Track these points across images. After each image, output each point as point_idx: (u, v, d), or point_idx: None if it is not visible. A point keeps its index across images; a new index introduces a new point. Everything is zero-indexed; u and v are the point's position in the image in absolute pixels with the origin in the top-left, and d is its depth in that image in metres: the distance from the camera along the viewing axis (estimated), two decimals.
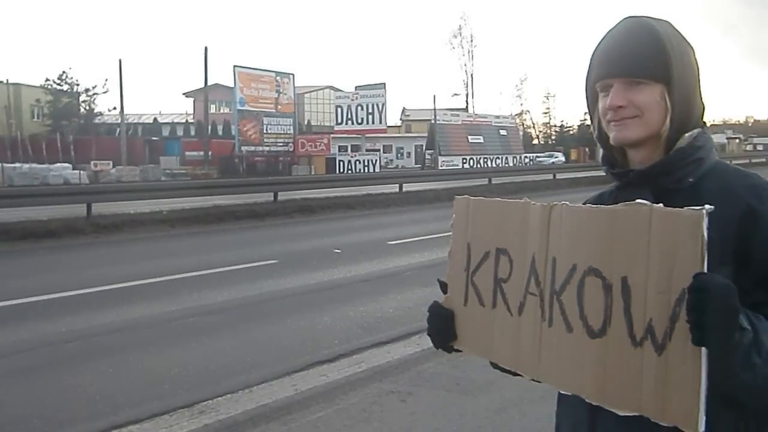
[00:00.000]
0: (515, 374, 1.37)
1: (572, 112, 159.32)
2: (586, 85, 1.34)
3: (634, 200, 1.10)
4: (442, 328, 1.42)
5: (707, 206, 1.00)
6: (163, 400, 4.30)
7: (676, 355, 1.02)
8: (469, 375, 4.69)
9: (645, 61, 1.21)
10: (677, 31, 1.26)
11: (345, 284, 7.89)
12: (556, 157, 54.43)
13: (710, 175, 1.23)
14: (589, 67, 1.32)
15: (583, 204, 1.29)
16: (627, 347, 1.08)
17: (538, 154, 55.87)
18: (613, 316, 1.10)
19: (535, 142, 73.10)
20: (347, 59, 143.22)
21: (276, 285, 7.74)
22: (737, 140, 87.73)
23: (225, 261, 9.24)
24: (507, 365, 1.33)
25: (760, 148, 74.44)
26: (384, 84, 47.46)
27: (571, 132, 75.61)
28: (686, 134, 1.23)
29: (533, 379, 1.28)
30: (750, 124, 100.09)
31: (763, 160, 47.11)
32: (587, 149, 61.48)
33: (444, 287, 1.45)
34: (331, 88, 66.07)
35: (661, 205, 1.06)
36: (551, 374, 1.23)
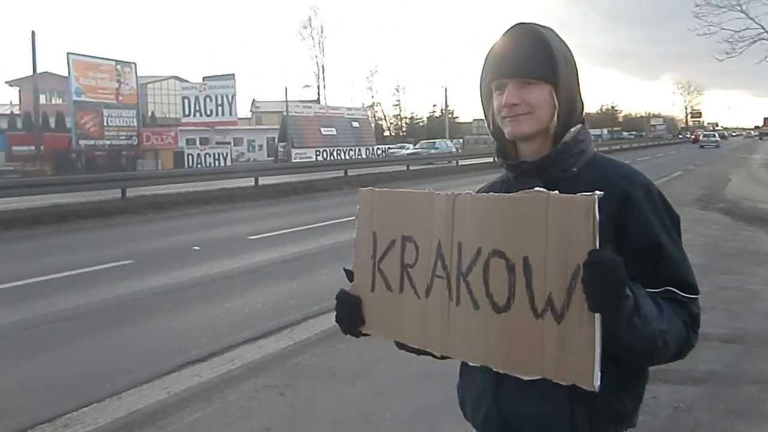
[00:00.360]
0: (422, 353, 1.46)
1: (422, 104, 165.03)
2: (480, 84, 1.46)
3: (532, 188, 1.23)
4: (350, 314, 1.50)
5: (598, 192, 1.14)
6: (17, 418, 3.97)
7: (574, 322, 1.16)
8: (344, 364, 4.79)
9: (536, 64, 1.35)
10: (560, 37, 1.40)
11: (208, 282, 7.68)
12: (407, 149, 56.05)
13: (590, 165, 1.40)
14: (483, 68, 1.43)
15: (476, 192, 1.40)
16: (529, 319, 1.21)
17: (390, 146, 57.21)
18: (517, 292, 1.22)
19: (386, 133, 74.82)
20: (192, 48, 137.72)
21: (134, 286, 7.37)
22: None
23: (73, 264, 8.61)
24: (416, 344, 1.42)
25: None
26: (234, 75, 46.40)
27: (420, 124, 78.22)
28: (571, 129, 1.38)
29: (442, 356, 1.38)
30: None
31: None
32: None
33: (350, 275, 1.52)
34: (176, 78, 63.44)
35: (557, 192, 1.19)
36: (459, 349, 1.34)
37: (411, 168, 27.33)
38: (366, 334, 1.52)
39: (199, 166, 39.60)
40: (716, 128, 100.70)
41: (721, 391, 4.04)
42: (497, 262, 1.25)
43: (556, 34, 1.40)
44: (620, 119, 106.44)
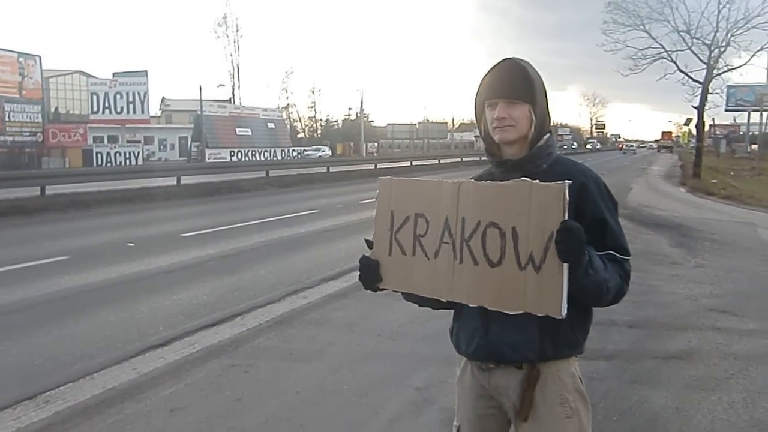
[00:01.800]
0: (424, 303, 1.98)
1: (337, 107, 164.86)
2: (475, 102, 1.99)
3: (519, 178, 1.78)
4: (371, 273, 1.99)
5: (568, 181, 1.68)
6: None
7: (548, 271, 1.69)
8: (299, 346, 5.23)
9: (519, 89, 1.90)
10: (535, 69, 1.96)
11: (150, 276, 7.87)
12: (323, 151, 56.34)
13: (556, 163, 1.95)
14: (478, 90, 1.97)
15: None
16: (516, 271, 1.74)
17: (305, 148, 57.30)
18: (506, 252, 1.75)
19: (301, 135, 74.64)
20: (97, 43, 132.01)
21: (76, 280, 7.46)
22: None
23: (7, 260, 8.55)
24: (425, 293, 1.92)
25: None
26: (146, 72, 45.27)
27: (336, 127, 78.43)
28: (544, 137, 1.94)
29: (448, 300, 1.89)
30: None
31: None
32: (352, 144, 64.59)
33: (370, 244, 2.02)
34: (81, 73, 60.89)
35: (537, 180, 1.74)
36: (462, 294, 1.85)
37: (331, 170, 27.73)
38: (383, 289, 2.00)
39: (109, 164, 38.41)
40: (618, 139, 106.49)
41: (626, 365, 4.76)
42: (492, 230, 1.77)
43: (533, 67, 1.95)
44: None
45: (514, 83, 1.88)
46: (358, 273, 2.00)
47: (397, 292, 1.99)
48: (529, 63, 1.95)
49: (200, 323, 5.84)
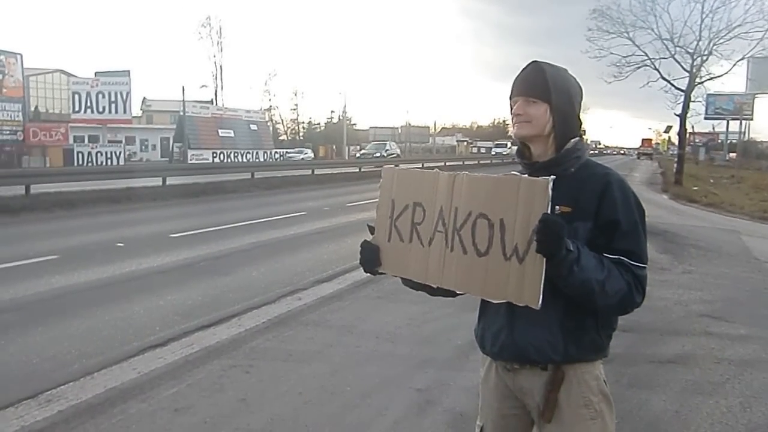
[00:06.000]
0: (420, 288, 2.02)
1: (320, 109, 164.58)
2: (509, 99, 2.04)
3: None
4: (371, 258, 2.06)
5: (551, 176, 1.72)
6: None
7: (530, 263, 1.73)
8: (298, 347, 5.23)
9: (536, 88, 1.94)
10: (566, 74, 2.00)
11: (142, 276, 7.81)
12: (306, 154, 56.22)
13: (583, 167, 1.99)
14: (510, 89, 2.02)
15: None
16: (501, 261, 1.78)
17: (288, 150, 57.12)
18: (493, 243, 1.80)
19: (283, 137, 74.46)
20: (78, 42, 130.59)
21: (67, 280, 7.39)
22: (465, 143, 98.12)
23: None
24: (418, 279, 1.98)
25: (483, 150, 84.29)
26: (128, 71, 44.80)
27: (318, 129, 78.31)
28: (571, 140, 1.98)
29: (438, 287, 1.93)
30: (475, 129, 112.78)
31: (488, 161, 53.53)
32: (334, 147, 64.52)
33: (372, 230, 2.08)
34: (62, 72, 60.22)
35: (526, 175, 1.78)
36: (450, 281, 1.90)
37: (316, 172, 27.70)
38: (382, 273, 2.06)
39: (90, 164, 37.97)
40: (598, 146, 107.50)
41: (623, 369, 4.81)
42: (482, 221, 1.82)
43: (563, 71, 1.99)
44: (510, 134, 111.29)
45: (532, 83, 1.94)
46: (359, 256, 2.06)
47: (396, 276, 2.04)
48: (559, 67, 2.00)
49: (197, 324, 5.82)
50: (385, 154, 50.71)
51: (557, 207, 1.81)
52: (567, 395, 1.93)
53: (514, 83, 1.99)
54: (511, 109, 2.01)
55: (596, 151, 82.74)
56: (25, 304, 6.39)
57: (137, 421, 3.77)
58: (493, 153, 69.37)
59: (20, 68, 37.70)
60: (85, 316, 6.02)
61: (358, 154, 56.17)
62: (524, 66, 2.00)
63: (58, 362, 4.78)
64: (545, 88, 1.92)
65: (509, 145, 68.89)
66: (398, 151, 57.02)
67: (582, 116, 2.05)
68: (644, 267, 1.88)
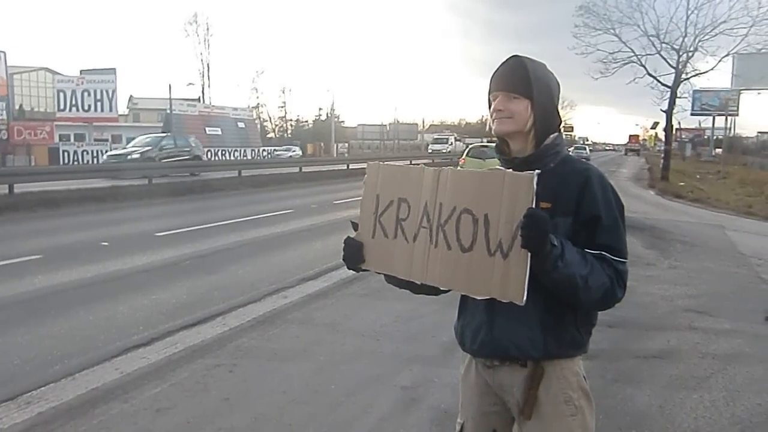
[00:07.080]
0: (404, 285, 1.99)
1: (308, 107, 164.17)
2: (488, 94, 2.01)
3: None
4: (354, 254, 2.01)
5: (536, 171, 1.70)
6: None
7: (514, 258, 1.70)
8: (283, 346, 5.20)
9: (518, 84, 1.92)
10: (546, 70, 1.98)
11: (126, 275, 7.74)
12: (294, 151, 56.01)
13: (563, 162, 1.97)
14: (489, 84, 1.99)
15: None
16: (485, 257, 1.75)
17: (276, 148, 56.90)
18: (478, 238, 1.77)
19: (271, 135, 74.21)
20: (62, 39, 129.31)
21: (51, 279, 7.31)
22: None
23: None
24: (402, 276, 1.94)
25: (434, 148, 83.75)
26: (114, 69, 44.59)
27: (306, 127, 78.11)
28: (551, 135, 1.96)
29: (422, 283, 1.89)
30: (463, 126, 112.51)
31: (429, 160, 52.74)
32: (322, 144, 64.40)
33: (355, 226, 2.04)
34: (47, 69, 59.67)
35: (511, 170, 1.76)
36: (434, 278, 1.87)
37: (304, 170, 27.61)
38: (365, 270, 2.02)
39: (76, 163, 37.65)
40: (586, 142, 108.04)
41: (608, 365, 4.82)
42: (466, 217, 1.79)
43: (541, 66, 1.97)
44: None
45: (513, 78, 1.91)
46: (342, 253, 2.02)
47: (379, 273, 2.00)
48: (539, 62, 1.97)
49: (181, 323, 5.77)
50: (450, 149, 51.04)
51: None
52: (547, 392, 1.92)
53: (493, 78, 1.96)
54: (491, 104, 1.99)
55: (590, 149, 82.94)
56: (6, 304, 6.31)
57: (118, 422, 3.73)
58: (429, 151, 57.50)
59: (4, 66, 37.42)
60: (67, 316, 5.96)
61: (429, 150, 57.08)
62: (504, 60, 1.98)
63: (39, 363, 4.72)
64: (527, 84, 1.90)
65: (451, 141, 62.46)
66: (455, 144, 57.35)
67: (560, 111, 2.03)
68: (624, 262, 1.88)
